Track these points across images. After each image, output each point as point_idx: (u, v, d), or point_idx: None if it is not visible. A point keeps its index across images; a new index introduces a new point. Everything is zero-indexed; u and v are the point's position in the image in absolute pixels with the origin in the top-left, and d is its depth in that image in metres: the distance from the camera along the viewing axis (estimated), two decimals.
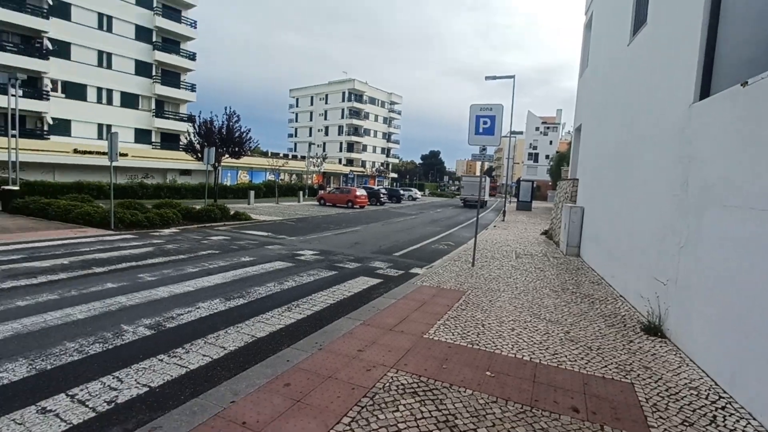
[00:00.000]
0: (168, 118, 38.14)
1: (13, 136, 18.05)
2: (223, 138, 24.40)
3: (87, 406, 3.10)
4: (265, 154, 45.72)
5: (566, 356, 4.20)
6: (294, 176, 50.55)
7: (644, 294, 5.55)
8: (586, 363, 4.06)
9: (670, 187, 5.04)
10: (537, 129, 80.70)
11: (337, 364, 3.80)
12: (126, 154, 28.87)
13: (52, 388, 3.34)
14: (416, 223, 19.29)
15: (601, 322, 5.33)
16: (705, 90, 4.53)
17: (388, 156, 78.97)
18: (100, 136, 32.89)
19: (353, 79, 69.17)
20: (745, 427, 3.03)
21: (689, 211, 4.48)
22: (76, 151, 29.66)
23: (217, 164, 22.76)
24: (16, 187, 16.63)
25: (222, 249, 9.99)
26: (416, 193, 48.82)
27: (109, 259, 8.32)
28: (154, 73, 36.71)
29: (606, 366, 4.01)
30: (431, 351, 4.19)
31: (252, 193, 27.22)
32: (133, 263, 8.03)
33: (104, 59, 33.55)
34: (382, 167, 73.97)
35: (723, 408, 3.29)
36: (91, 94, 33.15)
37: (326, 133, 72.50)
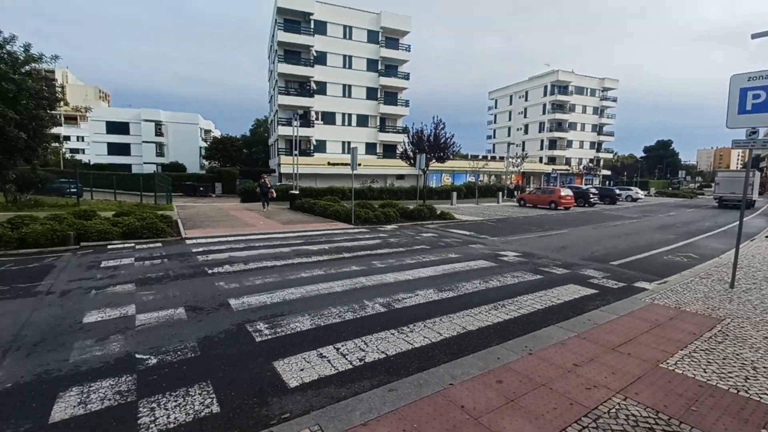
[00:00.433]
0: (388, 132, 43.70)
1: (296, 155, 25.57)
2: (431, 144, 26.53)
3: (346, 359, 3.94)
4: (465, 157, 46.77)
5: None
6: (492, 177, 49.97)
7: None
8: None
9: None
10: None
11: (550, 373, 3.64)
12: (360, 164, 34.89)
13: (324, 340, 4.38)
14: (639, 228, 16.26)
15: None
16: None
17: (598, 151, 68.84)
18: (343, 151, 40.60)
19: (556, 70, 63.04)
20: None
21: None
22: (329, 163, 37.82)
23: (425, 168, 24.77)
24: (297, 192, 22.97)
25: (431, 245, 10.81)
26: (637, 192, 40.64)
27: (351, 247, 10.22)
28: (378, 96, 42.66)
29: None
30: (671, 385, 3.49)
31: (454, 194, 28.30)
32: (368, 252, 9.60)
33: (346, 90, 41.36)
34: (591, 164, 65.18)
35: None
36: (338, 119, 41.36)
37: (526, 132, 68.66)
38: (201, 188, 34.75)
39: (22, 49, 16.60)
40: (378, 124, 43.40)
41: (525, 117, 69.18)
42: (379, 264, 8.22)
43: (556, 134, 63.75)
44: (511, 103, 72.57)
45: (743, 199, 7.23)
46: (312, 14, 38.01)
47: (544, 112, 64.91)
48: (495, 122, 77.44)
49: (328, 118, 40.74)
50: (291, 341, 4.34)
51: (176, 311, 5.22)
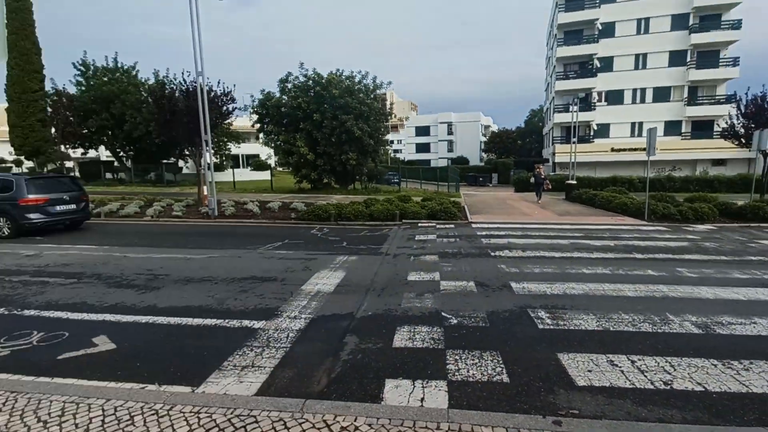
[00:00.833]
0: (700, 104, 33.08)
1: (574, 142, 23.27)
2: None
3: (645, 376, 3.41)
4: None
5: None
6: None
7: None
8: None
9: None
10: None
11: None
12: (657, 148, 28.23)
13: (614, 346, 3.94)
14: None
15: None
16: None
17: None
18: (632, 134, 33.90)
19: None
20: None
21: None
22: (612, 149, 32.56)
23: None
24: (574, 182, 21.10)
25: None
26: None
27: (646, 247, 8.57)
28: (687, 59, 32.75)
29: None
30: None
31: None
32: (670, 255, 7.80)
33: (639, 61, 33.97)
34: None
35: None
36: (627, 96, 34.61)
37: None
38: (480, 178, 37.51)
39: (371, 81, 22.76)
40: (685, 95, 33.47)
41: None
42: (687, 273, 6.53)
43: None
44: None
45: None
46: None
47: None
48: None
49: (614, 97, 34.64)
50: (574, 337, 4.15)
51: (468, 284, 5.96)
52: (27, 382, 3.21)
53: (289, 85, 23.19)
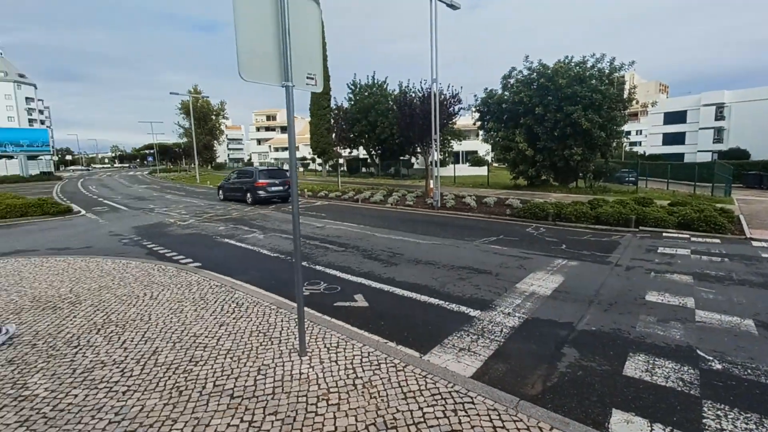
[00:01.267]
0: None
1: None
2: None
3: None
4: None
5: None
6: None
7: None
8: None
9: None
10: None
11: None
12: None
13: None
14: None
15: None
16: None
17: None
18: None
19: None
20: None
21: None
22: None
23: None
24: None
25: None
26: None
27: None
28: None
29: None
30: None
31: None
32: None
33: None
34: None
35: None
36: None
37: None
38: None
39: (607, 64, 19.29)
40: None
41: None
42: None
43: None
44: None
45: None
46: None
47: None
48: None
49: None
50: None
51: (743, 321, 4.40)
52: (318, 318, 4.47)
53: (512, 81, 22.43)
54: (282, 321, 4.30)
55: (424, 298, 5.28)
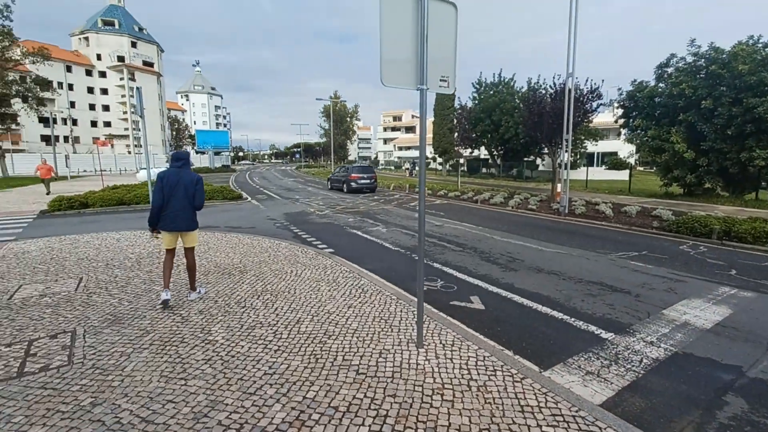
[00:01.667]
0: None
1: None
2: None
3: None
4: None
5: None
6: None
7: None
8: None
9: None
10: None
11: None
12: None
13: None
14: None
15: None
16: None
17: None
18: None
19: None
20: None
21: None
22: None
23: None
24: None
25: None
26: None
27: None
28: None
29: None
30: None
31: None
32: None
33: None
34: None
35: None
36: None
37: None
38: None
39: None
40: None
41: None
42: None
43: None
44: None
45: None
46: None
47: None
48: None
49: None
50: None
51: None
52: (435, 313, 4.54)
53: (670, 70, 18.55)
54: (401, 311, 4.51)
55: (545, 309, 4.87)
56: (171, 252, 4.67)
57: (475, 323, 4.40)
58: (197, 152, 58.27)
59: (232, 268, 6.17)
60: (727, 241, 8.85)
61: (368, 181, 21.45)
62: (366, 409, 2.70)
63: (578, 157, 33.78)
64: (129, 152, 61.54)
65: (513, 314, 4.72)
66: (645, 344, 3.98)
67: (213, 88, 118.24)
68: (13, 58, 29.64)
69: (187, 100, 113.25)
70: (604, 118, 33.44)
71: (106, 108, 65.31)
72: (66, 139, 58.37)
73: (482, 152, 42.94)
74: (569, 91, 13.47)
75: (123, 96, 64.87)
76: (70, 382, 2.99)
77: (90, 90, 63.47)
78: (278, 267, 6.27)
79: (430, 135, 39.56)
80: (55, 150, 33.14)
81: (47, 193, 18.00)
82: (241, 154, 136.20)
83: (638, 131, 20.51)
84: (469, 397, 2.88)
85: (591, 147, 34.38)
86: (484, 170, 42.08)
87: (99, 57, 64.19)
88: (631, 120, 20.84)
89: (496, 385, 3.04)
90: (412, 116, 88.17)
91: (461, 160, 40.16)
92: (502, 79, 34.33)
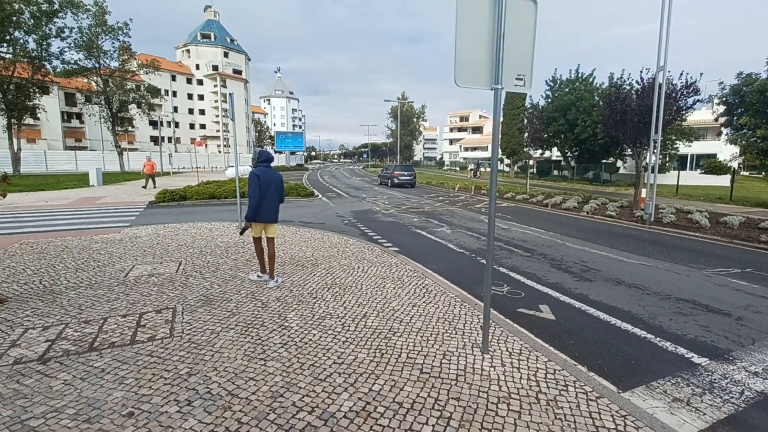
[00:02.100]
0: None
1: None
2: None
3: None
4: None
5: None
6: None
7: None
8: None
9: None
10: None
11: None
12: None
13: None
14: None
15: None
16: None
17: None
18: None
19: None
20: None
21: None
22: None
23: None
24: None
25: None
26: None
27: None
28: None
29: None
30: None
31: None
32: None
33: None
34: None
35: None
36: None
37: None
38: None
39: None
40: None
41: None
42: None
43: None
44: None
45: None
46: None
47: None
48: None
49: None
50: None
51: None
52: (501, 320, 4.37)
53: None
54: (465, 314, 4.42)
55: (625, 326, 4.41)
56: (259, 240, 5.32)
57: (545, 333, 4.14)
58: (276, 152, 62.82)
59: (305, 261, 6.56)
60: None
61: (408, 177, 25.61)
62: (429, 408, 2.70)
63: (667, 159, 29.95)
64: (219, 151, 68.39)
65: (587, 327, 4.36)
66: (748, 374, 3.41)
67: (291, 93, 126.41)
68: (130, 69, 34.66)
69: (269, 104, 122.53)
70: (700, 116, 29.18)
71: (201, 112, 73.42)
72: (170, 139, 66.73)
73: (554, 154, 40.11)
74: (659, 86, 11.99)
75: (216, 101, 72.38)
76: (171, 353, 3.43)
77: (189, 96, 71.84)
78: (346, 262, 6.51)
79: (499, 136, 37.94)
80: (161, 149, 38.06)
81: (144, 186, 19.75)
82: (313, 153, 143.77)
83: (744, 131, 17.62)
84: (538, 410, 2.72)
85: (683, 148, 30.25)
86: (555, 173, 39.27)
87: (198, 67, 72.37)
88: (735, 118, 17.95)
89: (568, 401, 2.83)
90: (480, 116, 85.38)
91: (530, 162, 37.92)
92: (579, 75, 31.71)
